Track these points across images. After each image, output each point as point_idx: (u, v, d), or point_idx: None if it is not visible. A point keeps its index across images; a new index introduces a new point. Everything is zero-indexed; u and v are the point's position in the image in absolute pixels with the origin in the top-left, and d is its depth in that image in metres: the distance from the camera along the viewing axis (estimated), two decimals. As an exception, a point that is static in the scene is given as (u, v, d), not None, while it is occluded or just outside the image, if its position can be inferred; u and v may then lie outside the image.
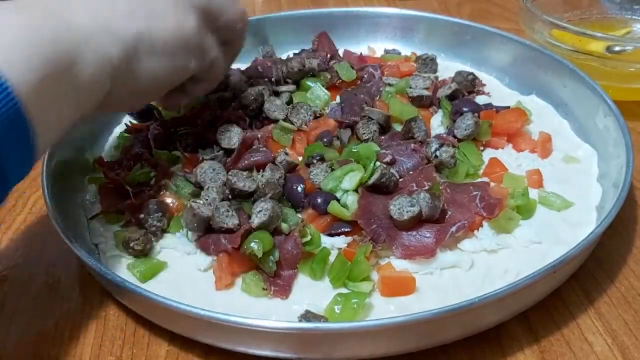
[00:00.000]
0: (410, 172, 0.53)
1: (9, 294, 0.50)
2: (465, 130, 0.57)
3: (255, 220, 0.46)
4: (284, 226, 0.48)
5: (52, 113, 0.41)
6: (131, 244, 0.48)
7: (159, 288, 0.46)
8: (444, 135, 0.58)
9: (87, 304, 0.49)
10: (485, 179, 0.54)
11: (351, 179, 0.50)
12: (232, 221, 0.47)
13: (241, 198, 0.50)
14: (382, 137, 0.58)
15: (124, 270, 0.48)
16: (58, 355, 0.45)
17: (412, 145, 0.55)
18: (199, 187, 0.52)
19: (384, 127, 0.58)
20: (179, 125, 0.59)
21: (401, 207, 0.47)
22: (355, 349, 0.41)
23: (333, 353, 0.42)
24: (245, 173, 0.51)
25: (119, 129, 0.64)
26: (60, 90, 0.41)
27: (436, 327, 0.41)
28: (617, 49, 0.69)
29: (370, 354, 0.42)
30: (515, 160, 0.57)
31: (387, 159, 0.53)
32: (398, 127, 0.59)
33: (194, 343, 0.44)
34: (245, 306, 0.45)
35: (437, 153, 0.53)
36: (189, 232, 0.49)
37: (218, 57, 0.53)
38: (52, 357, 0.45)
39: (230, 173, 0.51)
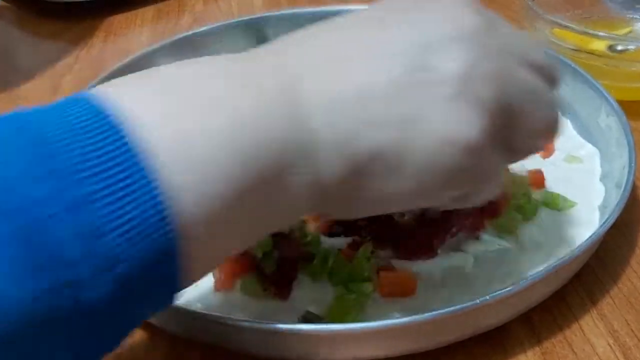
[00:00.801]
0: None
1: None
2: None
3: None
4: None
5: (219, 244, 0.28)
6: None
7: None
8: None
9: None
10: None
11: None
12: None
13: None
14: None
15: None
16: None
17: None
18: None
19: None
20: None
21: (402, 206, 0.46)
22: (356, 350, 0.41)
23: (334, 354, 0.41)
24: None
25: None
26: (241, 218, 0.28)
27: (438, 328, 0.41)
28: (619, 48, 0.68)
29: (371, 355, 0.42)
30: (517, 160, 0.57)
31: None
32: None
33: (195, 344, 0.44)
34: (245, 307, 0.44)
35: None
36: None
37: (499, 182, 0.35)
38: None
39: None
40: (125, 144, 0.24)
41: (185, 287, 0.28)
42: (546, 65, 0.35)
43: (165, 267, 0.25)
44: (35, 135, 0.23)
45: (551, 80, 0.36)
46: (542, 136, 0.37)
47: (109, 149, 0.23)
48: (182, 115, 0.26)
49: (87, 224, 0.22)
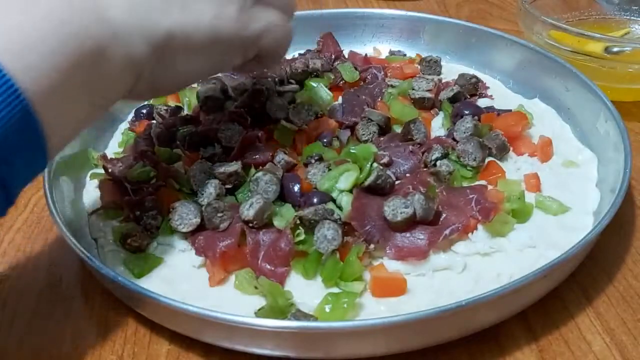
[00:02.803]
0: (407, 175, 0.53)
1: (10, 294, 0.50)
2: (465, 133, 0.56)
3: (251, 213, 0.47)
4: (280, 221, 0.48)
5: (67, 114, 0.38)
6: (128, 240, 0.49)
7: (154, 283, 0.46)
8: (443, 137, 0.58)
9: (88, 303, 0.49)
10: (483, 182, 0.54)
11: (346, 178, 0.50)
12: (223, 225, 0.48)
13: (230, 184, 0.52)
14: (381, 138, 0.58)
15: (121, 265, 0.49)
16: (59, 354, 0.45)
17: (410, 147, 0.55)
18: (192, 192, 0.52)
19: (384, 129, 0.59)
20: (181, 123, 0.59)
21: (395, 208, 0.47)
22: (346, 349, 0.42)
23: (324, 352, 0.42)
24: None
25: (122, 126, 0.65)
26: (77, 90, 0.37)
27: (426, 328, 0.41)
28: (615, 49, 0.69)
29: (365, 353, 0.42)
30: (514, 164, 0.57)
31: (385, 160, 0.53)
32: (398, 129, 0.59)
33: (195, 342, 0.45)
34: (237, 303, 0.45)
35: (437, 163, 0.53)
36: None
37: (269, 28, 0.47)
38: (53, 356, 0.45)
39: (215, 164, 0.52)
40: None
41: (52, 154, 0.38)
42: None
43: (28, 127, 0.35)
44: None
45: None
46: None
47: None
48: (10, 18, 0.35)
49: None
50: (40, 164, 0.38)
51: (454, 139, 0.57)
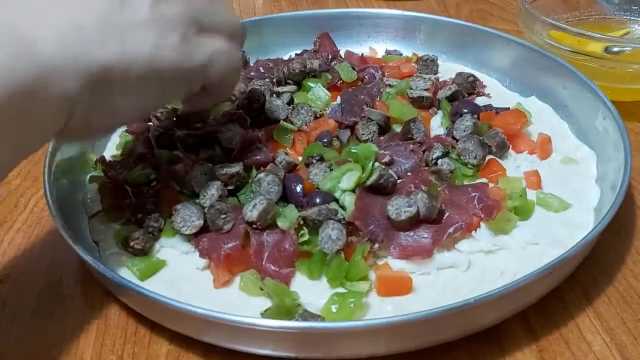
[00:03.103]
0: (408, 173, 0.53)
1: (10, 294, 0.50)
2: (464, 131, 0.57)
3: (255, 214, 0.47)
4: (283, 222, 0.48)
5: None
6: (131, 243, 0.49)
7: (157, 286, 0.46)
8: (443, 136, 0.58)
9: (88, 303, 0.49)
10: (484, 180, 0.54)
11: (349, 178, 0.50)
12: (226, 226, 0.48)
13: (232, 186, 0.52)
14: (382, 138, 0.58)
15: (124, 268, 0.48)
16: (59, 354, 0.45)
17: (411, 146, 0.55)
18: (193, 194, 0.52)
19: (384, 128, 0.59)
20: (180, 125, 0.59)
21: (399, 207, 0.47)
22: (352, 348, 0.42)
23: (330, 352, 0.42)
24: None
25: (120, 129, 0.65)
26: (5, 133, 0.35)
27: (432, 327, 0.41)
28: (615, 49, 0.69)
29: (368, 353, 0.42)
30: (514, 162, 0.57)
31: (386, 159, 0.53)
32: (398, 128, 0.60)
33: (195, 342, 0.45)
34: (243, 304, 0.45)
35: (438, 162, 0.53)
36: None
37: (215, 57, 0.45)
38: (54, 356, 0.45)
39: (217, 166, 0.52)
40: None
41: None
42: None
43: None
44: None
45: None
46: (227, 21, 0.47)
47: None
48: None
49: None
50: None
51: (453, 138, 0.57)
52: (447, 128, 0.60)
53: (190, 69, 0.43)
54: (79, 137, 0.45)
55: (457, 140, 0.56)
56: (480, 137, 0.55)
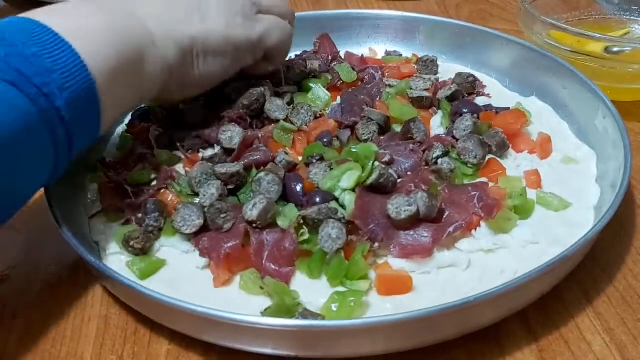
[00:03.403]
0: (409, 173, 0.53)
1: (10, 294, 0.50)
2: (465, 131, 0.57)
3: (255, 213, 0.47)
4: (283, 221, 0.48)
5: (117, 97, 0.47)
6: (131, 243, 0.49)
7: (157, 286, 0.46)
8: (443, 135, 0.58)
9: (88, 303, 0.49)
10: (484, 179, 0.54)
11: (349, 177, 0.50)
12: (226, 225, 0.48)
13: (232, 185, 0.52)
14: (382, 138, 0.58)
15: (124, 267, 0.48)
16: (59, 354, 0.45)
17: (411, 146, 0.55)
18: (193, 193, 0.52)
19: (384, 128, 0.59)
20: (180, 125, 0.59)
21: (399, 206, 0.47)
22: (352, 347, 0.42)
23: (330, 351, 0.42)
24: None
25: (120, 129, 0.65)
26: (126, 80, 0.48)
27: (433, 326, 0.41)
28: (615, 49, 0.69)
29: (368, 351, 0.42)
30: (514, 161, 0.57)
31: (386, 159, 0.53)
32: (398, 128, 0.60)
33: (195, 341, 0.45)
34: (243, 303, 0.45)
35: (438, 161, 0.53)
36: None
37: (270, 29, 0.58)
38: (54, 356, 0.45)
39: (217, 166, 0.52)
40: (52, 31, 0.44)
41: (101, 131, 0.48)
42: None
43: (91, 100, 0.45)
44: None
45: None
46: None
47: (44, 32, 0.43)
48: (81, 18, 0.47)
49: (45, 66, 0.42)
50: (94, 134, 0.47)
51: (453, 137, 0.57)
52: (447, 128, 0.60)
53: (253, 39, 0.57)
54: (175, 96, 0.57)
55: (457, 140, 0.56)
56: (481, 137, 0.55)
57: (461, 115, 0.59)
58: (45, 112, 0.42)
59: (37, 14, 0.45)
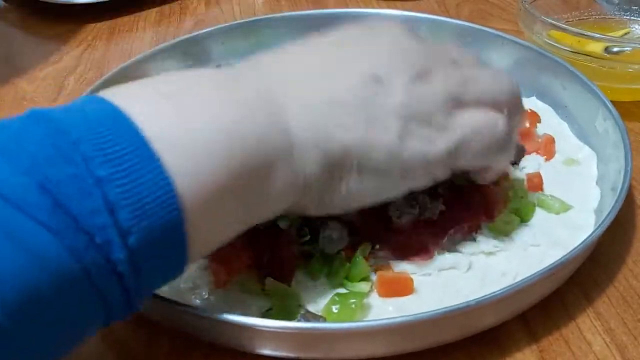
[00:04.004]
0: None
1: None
2: None
3: None
4: (284, 222, 0.48)
5: (217, 227, 0.33)
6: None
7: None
8: None
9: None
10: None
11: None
12: None
13: None
14: None
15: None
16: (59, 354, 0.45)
17: None
18: None
19: None
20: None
21: (400, 208, 0.47)
22: (354, 349, 0.42)
23: (331, 352, 0.42)
24: None
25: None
26: (233, 204, 0.33)
27: (434, 328, 0.41)
28: (615, 49, 0.69)
29: (369, 353, 0.42)
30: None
31: None
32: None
33: (196, 342, 0.44)
34: (243, 305, 0.45)
35: None
36: None
37: (468, 137, 0.39)
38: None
39: None
40: (138, 135, 0.29)
41: (191, 262, 0.33)
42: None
43: (175, 240, 0.30)
44: (57, 127, 0.28)
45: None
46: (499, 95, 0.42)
47: (126, 136, 0.29)
48: (181, 118, 0.31)
49: (109, 199, 0.28)
50: (171, 278, 0.34)
51: None
52: None
53: (436, 156, 0.39)
54: (309, 212, 0.41)
55: None
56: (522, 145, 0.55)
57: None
58: (92, 269, 0.28)
59: (122, 94, 0.31)
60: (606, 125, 0.57)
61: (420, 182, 0.41)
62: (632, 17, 0.78)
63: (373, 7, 0.96)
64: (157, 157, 0.29)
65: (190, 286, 0.47)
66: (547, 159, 0.58)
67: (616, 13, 0.78)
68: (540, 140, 0.59)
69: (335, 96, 0.36)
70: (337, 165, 0.36)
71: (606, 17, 0.79)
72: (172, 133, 0.30)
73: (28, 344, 0.27)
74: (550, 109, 0.65)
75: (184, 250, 0.31)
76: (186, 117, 0.31)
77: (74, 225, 0.27)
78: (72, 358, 0.44)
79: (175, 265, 0.33)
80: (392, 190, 0.40)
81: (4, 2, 0.97)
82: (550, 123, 0.63)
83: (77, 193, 0.27)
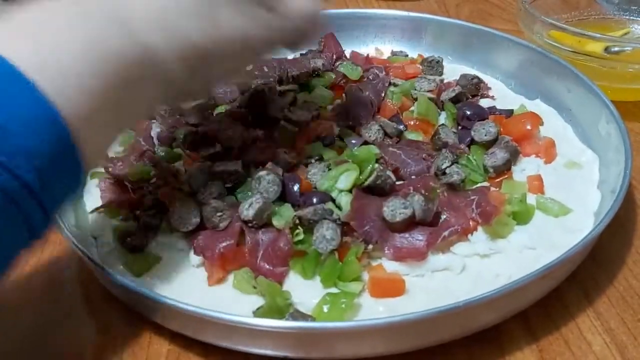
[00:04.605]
0: (413, 177, 0.53)
1: (9, 295, 0.50)
2: (486, 135, 0.56)
3: (251, 213, 0.47)
4: (279, 221, 0.48)
5: (101, 137, 0.38)
6: (128, 239, 0.49)
7: (152, 282, 0.47)
8: (455, 143, 0.57)
9: (88, 303, 0.49)
10: (486, 184, 0.53)
11: (346, 178, 0.50)
12: (222, 224, 0.48)
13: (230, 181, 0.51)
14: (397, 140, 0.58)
15: (120, 263, 0.49)
16: (59, 354, 0.45)
17: (424, 154, 0.55)
18: (192, 191, 0.52)
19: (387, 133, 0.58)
20: (181, 123, 0.59)
21: (394, 209, 0.47)
22: (343, 349, 0.42)
23: (319, 352, 0.42)
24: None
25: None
26: (110, 113, 0.37)
27: (424, 328, 0.41)
28: (615, 49, 0.69)
29: (365, 353, 0.42)
30: (519, 165, 0.57)
31: (388, 160, 0.53)
32: (409, 136, 0.59)
33: (195, 342, 0.45)
34: (236, 303, 0.45)
35: (447, 171, 0.52)
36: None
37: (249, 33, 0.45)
38: (54, 356, 0.45)
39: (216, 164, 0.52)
40: (11, 67, 0.32)
41: (88, 169, 0.37)
42: None
43: (68, 153, 0.35)
44: None
45: None
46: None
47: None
48: (51, 46, 0.35)
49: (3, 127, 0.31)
50: (76, 188, 0.37)
51: (472, 143, 0.57)
52: (454, 132, 0.59)
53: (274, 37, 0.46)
54: (180, 101, 0.50)
55: (471, 145, 0.56)
56: (516, 145, 0.55)
57: (469, 119, 0.58)
58: (8, 191, 0.32)
59: None
60: (609, 128, 0.56)
61: (267, 51, 0.48)
62: (631, 17, 0.78)
63: (373, 7, 0.96)
64: (30, 81, 0.32)
65: (184, 284, 0.47)
66: (546, 162, 0.57)
67: (616, 13, 0.78)
68: (540, 142, 0.59)
69: (174, 4, 0.40)
70: (194, 61, 0.41)
71: (606, 17, 0.79)
72: (44, 59, 0.34)
73: None
74: (554, 111, 0.65)
75: (78, 160, 0.35)
76: (50, 41, 0.35)
77: None
78: (72, 358, 0.44)
79: (75, 177, 0.37)
80: (247, 62, 0.49)
81: (2, 1, 0.97)
82: (554, 126, 0.63)
83: None
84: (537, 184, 0.54)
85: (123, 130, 0.42)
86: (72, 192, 0.38)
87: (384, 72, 0.67)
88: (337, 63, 0.69)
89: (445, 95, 0.63)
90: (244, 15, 0.43)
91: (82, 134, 0.35)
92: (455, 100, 0.62)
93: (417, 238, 0.47)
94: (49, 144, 0.33)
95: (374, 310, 0.44)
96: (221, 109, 0.62)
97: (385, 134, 0.58)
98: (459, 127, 0.60)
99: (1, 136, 0.31)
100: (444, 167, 0.53)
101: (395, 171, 0.53)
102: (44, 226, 0.36)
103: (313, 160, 0.53)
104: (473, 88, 0.66)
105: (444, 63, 0.70)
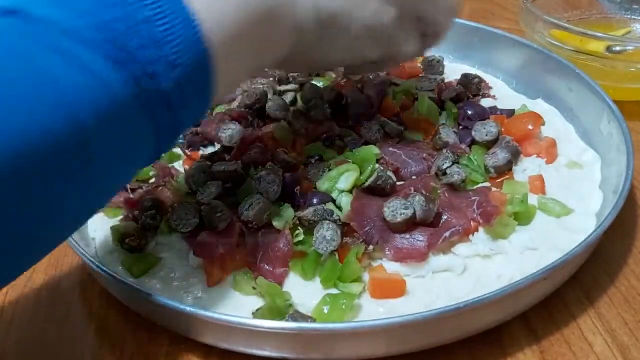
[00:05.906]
0: (413, 177, 0.53)
1: (8, 296, 0.50)
2: (486, 135, 0.56)
3: (251, 213, 0.47)
4: (279, 221, 0.48)
5: (235, 68, 0.40)
6: (126, 240, 0.49)
7: (152, 283, 0.47)
8: (456, 143, 0.57)
9: (87, 304, 0.49)
10: (487, 184, 0.53)
11: (346, 179, 0.50)
12: (222, 224, 0.48)
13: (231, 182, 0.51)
14: (397, 140, 0.57)
15: (119, 264, 0.49)
16: (59, 355, 0.45)
17: (425, 154, 0.55)
18: (191, 191, 0.52)
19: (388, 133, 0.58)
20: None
21: (395, 209, 0.47)
22: (343, 350, 0.42)
23: (319, 353, 0.42)
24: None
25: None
26: (248, 46, 0.40)
27: (424, 329, 0.41)
28: (617, 48, 0.68)
29: (366, 354, 0.42)
30: (521, 165, 0.56)
31: (388, 160, 0.53)
32: (409, 135, 0.59)
33: (195, 342, 0.44)
34: (235, 303, 0.45)
35: (448, 171, 0.52)
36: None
37: (407, 53, 0.53)
38: (53, 356, 0.45)
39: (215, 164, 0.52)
40: None
41: (216, 95, 0.39)
42: None
43: (205, 74, 0.37)
44: None
45: None
46: (443, 26, 0.54)
47: None
48: None
49: (154, 36, 0.33)
50: (201, 114, 0.40)
51: (472, 140, 0.56)
52: (454, 131, 0.59)
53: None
54: (296, 68, 0.54)
55: (472, 145, 0.56)
56: (517, 145, 0.55)
57: (470, 119, 0.58)
58: (147, 97, 0.33)
59: None
60: (610, 128, 0.56)
61: (382, 54, 0.51)
62: (633, 16, 0.77)
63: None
64: (187, 2, 0.34)
65: (184, 284, 0.47)
66: (548, 162, 0.57)
67: (617, 12, 0.78)
68: (542, 142, 0.59)
69: None
70: (326, 26, 0.45)
71: (607, 16, 0.79)
72: None
73: (101, 167, 0.33)
74: (556, 110, 0.64)
75: (212, 82, 0.37)
76: None
77: (129, 58, 0.32)
78: (71, 358, 0.44)
79: (206, 97, 0.38)
80: (360, 55, 0.50)
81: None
82: (555, 125, 0.62)
83: (128, 30, 0.32)
84: (538, 184, 0.54)
85: (253, 71, 0.45)
86: (196, 117, 0.40)
87: (384, 72, 0.67)
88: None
89: (446, 95, 0.63)
90: (401, 30, 0.49)
91: (219, 56, 0.37)
92: (456, 99, 0.62)
93: (418, 239, 0.47)
94: (188, 56, 0.35)
95: (374, 311, 0.44)
96: (221, 109, 0.62)
97: (386, 133, 0.57)
98: (460, 127, 0.59)
99: (149, 43, 0.33)
100: (444, 167, 0.52)
101: (396, 171, 0.53)
102: (166, 147, 0.38)
103: (313, 160, 0.53)
104: (474, 87, 0.65)
105: (444, 62, 0.70)
